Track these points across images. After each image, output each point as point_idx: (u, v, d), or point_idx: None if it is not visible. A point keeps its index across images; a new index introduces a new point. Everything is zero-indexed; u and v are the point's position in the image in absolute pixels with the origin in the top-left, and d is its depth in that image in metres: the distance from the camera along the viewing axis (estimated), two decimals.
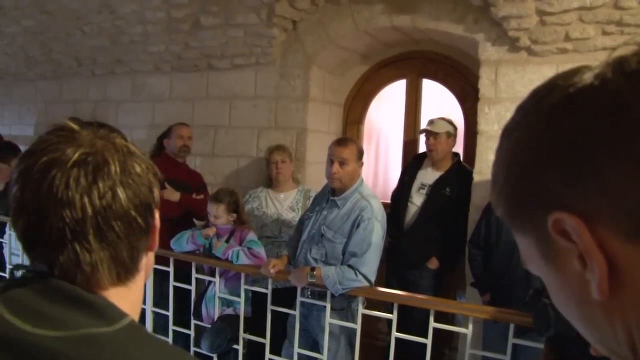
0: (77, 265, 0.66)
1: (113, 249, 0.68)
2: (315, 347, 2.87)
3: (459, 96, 3.87)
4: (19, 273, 0.70)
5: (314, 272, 2.65)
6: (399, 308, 2.61)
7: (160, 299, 3.30)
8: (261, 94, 4.04)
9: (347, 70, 4.22)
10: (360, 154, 2.80)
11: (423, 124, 3.69)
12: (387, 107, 4.36)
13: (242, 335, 3.01)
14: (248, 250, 3.00)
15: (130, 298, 0.72)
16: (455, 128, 3.46)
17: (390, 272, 3.53)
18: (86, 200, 0.65)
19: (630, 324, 0.41)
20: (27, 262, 0.72)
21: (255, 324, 3.10)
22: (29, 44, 4.86)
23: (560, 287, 0.46)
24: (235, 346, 3.04)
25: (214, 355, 3.05)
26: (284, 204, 3.54)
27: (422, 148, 3.76)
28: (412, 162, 3.68)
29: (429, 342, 2.52)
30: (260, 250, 3.04)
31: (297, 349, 2.84)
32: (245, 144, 4.12)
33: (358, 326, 2.68)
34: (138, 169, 0.71)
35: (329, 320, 2.71)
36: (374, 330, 3.92)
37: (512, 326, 2.34)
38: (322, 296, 2.76)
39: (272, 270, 2.81)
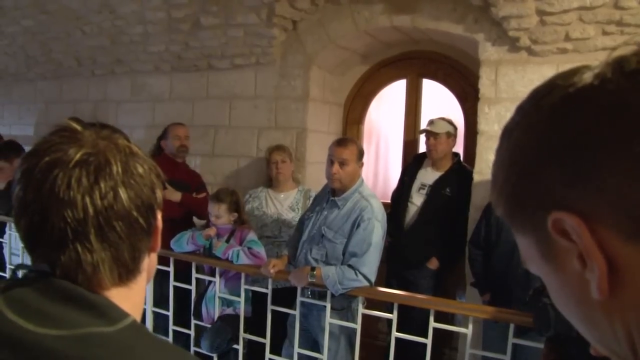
0: (78, 266, 0.66)
1: (114, 250, 0.68)
2: (316, 347, 2.87)
3: (459, 96, 3.87)
4: (20, 273, 0.71)
5: (314, 272, 2.65)
6: (399, 308, 2.61)
7: (160, 299, 3.30)
8: (261, 94, 4.04)
9: (347, 70, 4.22)
10: (360, 154, 2.80)
11: (423, 124, 3.69)
12: (387, 107, 4.36)
13: (242, 335, 3.01)
14: (248, 250, 3.00)
15: (131, 299, 0.72)
16: (455, 128, 3.46)
17: (390, 272, 3.53)
18: (88, 200, 0.65)
19: (630, 324, 0.41)
20: (28, 261, 0.72)
21: (255, 324, 3.10)
22: (29, 44, 4.86)
23: (560, 286, 0.46)
24: (235, 346, 3.04)
25: (214, 355, 3.05)
26: (284, 204, 3.54)
27: (422, 148, 3.76)
28: (412, 162, 3.68)
29: (429, 342, 2.52)
30: (260, 250, 3.04)
31: (297, 349, 2.84)
32: (245, 144, 4.12)
33: (358, 326, 2.69)
34: (140, 170, 0.71)
35: (329, 320, 2.71)
36: (374, 330, 3.92)
37: (512, 326, 2.34)
38: (322, 296, 2.76)
39: (272, 270, 2.81)
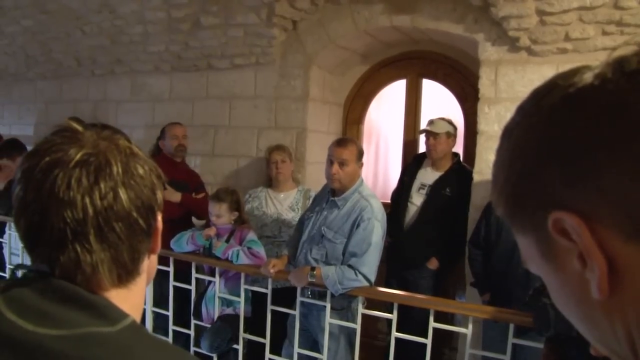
0: (77, 266, 0.66)
1: (114, 250, 0.68)
2: (315, 346, 2.87)
3: (458, 96, 3.87)
4: (20, 273, 0.70)
5: (314, 272, 2.65)
6: (399, 308, 2.61)
7: (160, 299, 3.30)
8: (261, 94, 4.04)
9: (347, 70, 4.22)
10: (360, 154, 2.80)
11: (423, 124, 3.69)
12: (387, 107, 4.36)
13: (242, 335, 3.01)
14: (248, 250, 3.00)
15: (130, 300, 0.72)
16: (455, 128, 3.46)
17: (390, 272, 3.54)
18: (87, 200, 0.65)
19: (630, 324, 0.41)
20: (28, 261, 0.72)
21: (255, 324, 3.10)
22: (28, 43, 4.86)
23: (560, 286, 0.46)
24: (235, 346, 3.04)
25: (214, 355, 3.05)
26: (283, 204, 3.54)
27: (422, 148, 3.76)
28: (412, 162, 3.68)
29: (428, 342, 2.52)
30: (260, 250, 3.04)
31: (297, 349, 2.85)
32: (245, 144, 4.12)
33: (358, 326, 2.69)
34: (141, 171, 0.71)
35: (329, 320, 2.71)
36: (373, 330, 3.92)
37: (512, 326, 2.34)
38: (322, 296, 2.76)
39: (272, 270, 2.81)
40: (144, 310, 3.20)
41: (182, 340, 3.24)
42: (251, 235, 3.13)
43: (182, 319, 3.26)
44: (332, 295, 2.68)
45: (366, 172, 3.82)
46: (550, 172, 0.43)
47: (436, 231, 3.34)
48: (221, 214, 3.11)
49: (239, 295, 3.04)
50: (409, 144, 4.11)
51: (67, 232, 0.65)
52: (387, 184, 4.31)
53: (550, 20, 2.88)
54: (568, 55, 2.95)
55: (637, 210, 0.39)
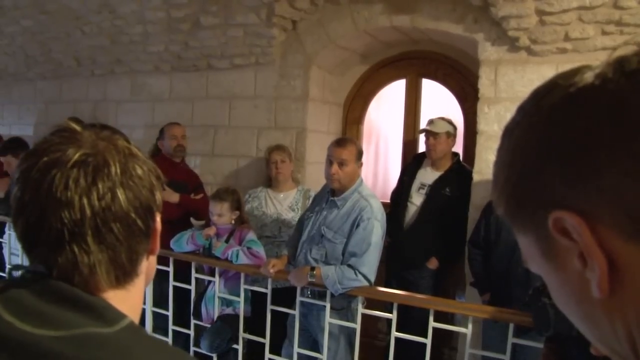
0: (75, 267, 0.66)
1: (112, 251, 0.68)
2: (315, 346, 2.87)
3: (458, 96, 3.87)
4: (17, 274, 0.70)
5: (314, 272, 2.65)
6: (399, 308, 2.61)
7: (160, 299, 3.30)
8: (261, 94, 4.04)
9: (346, 70, 4.22)
10: (359, 154, 2.80)
11: (423, 124, 3.69)
12: (386, 107, 4.36)
13: (241, 335, 3.01)
14: (247, 250, 3.00)
15: (129, 301, 0.72)
16: (455, 128, 3.46)
17: (389, 271, 3.54)
18: (85, 201, 0.65)
19: (631, 323, 0.41)
20: (27, 262, 0.71)
21: (255, 324, 3.10)
22: (28, 43, 4.86)
23: (560, 285, 0.46)
24: (235, 346, 3.04)
25: (213, 355, 3.05)
26: (283, 204, 3.54)
27: (421, 148, 3.76)
28: (412, 162, 3.68)
29: (428, 341, 2.52)
30: (260, 250, 3.04)
31: (297, 349, 2.85)
32: (245, 144, 4.12)
33: (358, 326, 2.69)
34: (139, 171, 0.70)
35: (329, 319, 2.71)
36: (373, 330, 3.92)
37: (511, 326, 2.34)
38: (321, 296, 2.76)
39: (271, 270, 2.81)
40: (144, 310, 3.21)
41: (181, 340, 3.24)
42: (251, 235, 3.13)
43: (181, 319, 3.26)
44: (332, 295, 2.68)
45: (366, 172, 3.82)
46: (551, 171, 0.43)
47: (436, 231, 3.34)
48: (223, 213, 3.11)
49: (238, 295, 3.03)
50: (409, 144, 4.11)
51: (65, 233, 0.65)
52: (386, 184, 4.31)
53: (550, 20, 2.88)
54: (568, 55, 2.96)
55: (637, 210, 0.39)
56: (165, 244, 2.97)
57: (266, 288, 2.95)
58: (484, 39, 3.19)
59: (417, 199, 3.46)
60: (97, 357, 0.60)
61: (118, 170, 0.68)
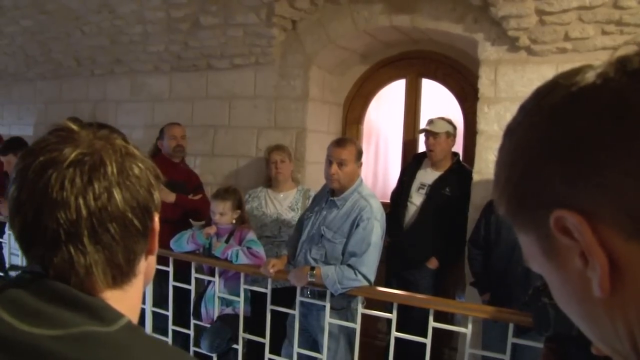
0: (71, 267, 0.65)
1: (108, 252, 0.67)
2: (315, 346, 2.87)
3: (458, 96, 3.87)
4: (14, 274, 0.70)
5: (314, 272, 2.65)
6: (399, 308, 2.61)
7: (159, 299, 3.30)
8: (261, 94, 4.04)
9: (346, 70, 4.22)
10: (359, 154, 2.80)
11: (422, 124, 3.69)
12: (386, 107, 4.36)
13: (241, 334, 3.01)
14: (247, 249, 3.00)
15: (127, 302, 0.71)
16: (454, 128, 3.46)
17: (389, 271, 3.54)
18: (81, 201, 0.64)
19: (632, 322, 0.41)
20: (26, 262, 0.71)
21: (254, 324, 3.10)
22: (28, 43, 4.85)
23: (561, 284, 0.47)
24: (234, 346, 3.04)
25: (213, 355, 3.05)
26: (283, 204, 3.54)
27: (421, 148, 3.76)
28: (412, 162, 3.68)
29: (428, 341, 2.52)
30: (260, 250, 3.04)
31: (296, 349, 2.84)
32: (244, 144, 4.12)
33: (358, 326, 2.69)
34: (137, 171, 0.70)
35: (329, 319, 2.71)
36: (373, 330, 3.92)
37: (511, 326, 2.34)
38: (321, 296, 2.76)
39: (271, 270, 2.81)
40: (144, 310, 3.21)
41: (181, 340, 3.24)
42: (251, 235, 3.13)
43: (181, 319, 3.26)
44: (332, 295, 2.68)
45: (366, 172, 3.82)
46: (552, 171, 0.43)
47: (436, 231, 3.34)
48: (225, 212, 3.10)
49: (238, 295, 3.03)
50: (409, 144, 4.11)
51: (61, 233, 0.64)
52: (386, 184, 4.31)
53: (550, 20, 2.88)
54: (567, 55, 2.96)
55: (638, 210, 0.39)
56: (164, 244, 2.98)
57: (266, 288, 2.95)
58: (483, 38, 3.19)
59: (417, 199, 3.46)
60: (97, 356, 0.60)
61: (115, 170, 0.67)
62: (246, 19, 3.73)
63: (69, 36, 4.52)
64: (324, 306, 2.72)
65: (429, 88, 4.07)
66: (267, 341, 2.95)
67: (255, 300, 3.12)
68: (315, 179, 3.77)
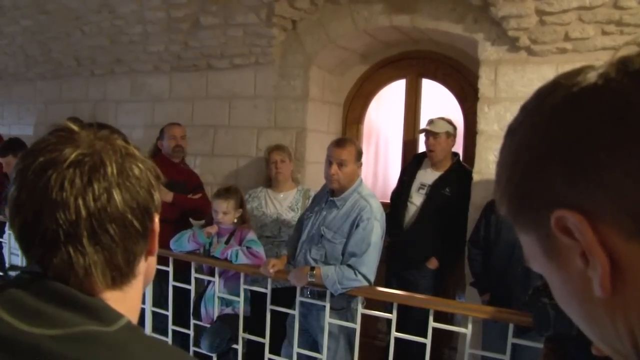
0: (70, 268, 0.65)
1: (108, 253, 0.67)
2: (315, 346, 2.87)
3: (458, 96, 3.87)
4: (14, 274, 0.70)
5: (314, 272, 2.65)
6: (399, 308, 2.61)
7: (159, 299, 3.30)
8: (261, 94, 4.04)
9: (346, 70, 4.22)
10: (359, 154, 2.80)
11: (422, 124, 3.69)
12: (386, 107, 4.36)
13: (241, 334, 3.01)
14: (247, 249, 3.00)
15: (126, 303, 0.71)
16: (454, 128, 3.46)
17: (389, 271, 3.53)
18: (80, 202, 0.64)
19: (633, 322, 0.41)
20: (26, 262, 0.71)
21: (254, 324, 3.10)
22: (28, 43, 4.85)
23: (562, 284, 0.47)
24: (234, 346, 3.04)
25: (213, 355, 3.05)
26: (283, 204, 3.53)
27: (421, 148, 3.76)
28: (412, 162, 3.67)
29: (428, 341, 2.52)
30: (260, 250, 3.04)
31: (296, 349, 2.84)
32: (244, 144, 4.12)
33: (357, 326, 2.69)
34: (136, 171, 0.70)
35: (329, 320, 2.71)
36: (373, 330, 3.92)
37: (511, 326, 2.34)
38: (321, 296, 2.76)
39: (271, 270, 2.81)
40: (143, 310, 3.21)
41: (181, 340, 3.24)
42: (251, 235, 3.13)
43: (181, 319, 3.26)
44: (332, 295, 2.68)
45: (366, 172, 3.82)
46: (553, 171, 0.43)
47: (436, 231, 3.34)
48: (228, 211, 3.10)
49: (238, 295, 3.03)
50: (409, 144, 4.11)
51: (60, 234, 0.64)
52: (386, 184, 4.31)
53: (550, 20, 2.88)
54: (568, 55, 2.96)
55: (638, 210, 0.39)
56: (164, 244, 2.98)
57: (266, 288, 2.95)
58: (483, 38, 3.19)
59: (417, 199, 3.46)
60: (96, 356, 0.60)
61: (114, 171, 0.67)
62: (246, 19, 3.73)
63: (69, 36, 4.52)
64: (324, 306, 2.72)
65: (429, 88, 4.07)
66: (266, 341, 2.95)
67: (255, 300, 3.12)
68: (315, 179, 3.77)
